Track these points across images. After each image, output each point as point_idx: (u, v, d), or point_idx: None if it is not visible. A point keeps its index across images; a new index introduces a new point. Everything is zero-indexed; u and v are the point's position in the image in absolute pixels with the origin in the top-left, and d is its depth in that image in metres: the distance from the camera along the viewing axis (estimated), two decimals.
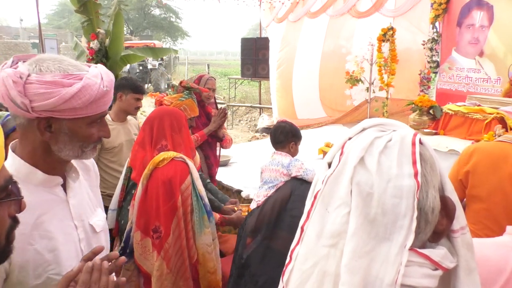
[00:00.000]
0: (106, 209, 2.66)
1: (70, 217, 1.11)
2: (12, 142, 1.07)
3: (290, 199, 1.98)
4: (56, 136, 1.00)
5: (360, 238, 0.64)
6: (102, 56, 4.43)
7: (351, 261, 0.64)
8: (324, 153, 4.57)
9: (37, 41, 21.71)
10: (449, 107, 4.71)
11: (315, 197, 0.72)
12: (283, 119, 2.59)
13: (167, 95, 3.02)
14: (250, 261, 2.03)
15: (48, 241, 1.03)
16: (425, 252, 0.64)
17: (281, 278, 0.77)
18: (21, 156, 1.02)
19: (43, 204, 1.04)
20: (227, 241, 3.47)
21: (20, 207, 0.83)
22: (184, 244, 2.08)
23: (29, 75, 0.91)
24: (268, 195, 2.15)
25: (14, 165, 1.00)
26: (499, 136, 2.46)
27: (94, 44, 4.36)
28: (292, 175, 2.11)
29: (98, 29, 4.43)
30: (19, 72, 0.91)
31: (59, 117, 0.97)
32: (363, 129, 0.72)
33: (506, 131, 3.55)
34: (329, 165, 0.73)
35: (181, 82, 3.06)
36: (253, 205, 2.25)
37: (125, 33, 19.31)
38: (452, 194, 0.69)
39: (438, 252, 0.66)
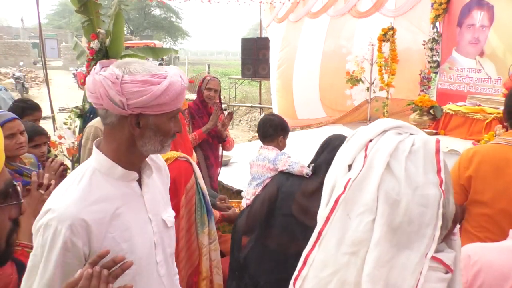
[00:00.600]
0: None
1: (145, 210, 1.19)
2: (97, 139, 1.18)
3: (278, 197, 1.94)
4: (143, 132, 1.09)
5: (383, 247, 0.63)
6: (103, 56, 4.42)
7: (373, 270, 0.62)
8: None
9: (37, 41, 21.73)
10: (449, 107, 4.71)
11: (336, 202, 0.69)
12: (270, 113, 2.60)
13: None
14: (248, 262, 2.00)
15: (124, 231, 1.11)
16: (439, 256, 0.64)
17: (292, 283, 0.74)
18: (105, 152, 1.13)
19: (122, 197, 1.13)
20: (227, 241, 3.46)
21: (21, 210, 0.82)
22: (184, 243, 2.08)
23: (123, 76, 1.02)
24: (256, 193, 2.12)
25: (98, 160, 1.13)
26: (499, 136, 2.45)
27: (95, 44, 4.36)
28: (279, 169, 2.07)
29: (99, 29, 4.43)
30: (115, 74, 1.01)
31: (147, 113, 1.06)
32: (384, 131, 0.71)
33: (507, 131, 3.54)
34: (349, 167, 0.70)
35: None
36: (244, 203, 2.24)
37: (126, 33, 19.31)
38: (453, 197, 0.69)
39: (449, 256, 0.66)
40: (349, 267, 0.65)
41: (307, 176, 1.94)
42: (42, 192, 1.61)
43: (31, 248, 1.48)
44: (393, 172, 0.64)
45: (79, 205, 1.04)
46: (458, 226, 0.70)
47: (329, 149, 1.94)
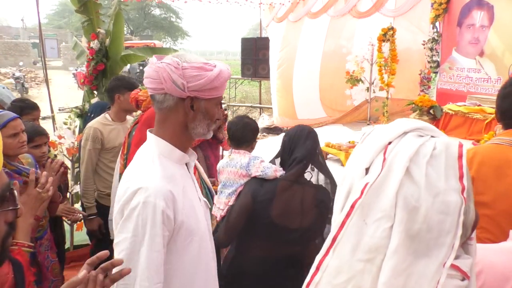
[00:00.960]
0: (107, 208, 2.69)
1: (195, 191, 1.31)
2: (150, 129, 1.25)
3: (255, 206, 1.85)
4: (195, 115, 1.21)
5: (401, 255, 0.61)
6: (102, 56, 4.42)
7: (390, 279, 0.61)
8: (325, 153, 4.56)
9: (37, 41, 21.72)
10: (449, 107, 4.71)
11: (352, 207, 0.66)
12: (241, 115, 2.45)
13: (140, 90, 3.00)
14: (232, 273, 1.95)
15: (191, 208, 1.22)
16: (456, 263, 0.62)
17: None
18: (163, 137, 1.22)
19: (181, 177, 1.23)
20: None
21: (17, 214, 0.82)
22: None
23: (183, 63, 1.15)
24: (230, 203, 1.99)
25: (158, 145, 1.21)
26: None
27: (94, 44, 4.35)
28: (252, 175, 1.96)
29: (98, 29, 4.42)
30: (176, 61, 1.14)
31: (201, 97, 1.19)
32: (404, 133, 0.68)
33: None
34: (367, 170, 0.68)
35: None
36: (216, 212, 2.08)
37: (125, 33, 19.30)
38: (472, 202, 0.67)
39: (466, 262, 0.64)
40: (364, 274, 0.63)
41: (280, 177, 1.88)
42: (40, 190, 1.61)
43: (28, 247, 1.48)
44: (413, 177, 0.62)
45: (164, 180, 1.14)
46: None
47: (300, 143, 1.89)
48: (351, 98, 7.25)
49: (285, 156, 1.93)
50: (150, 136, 1.24)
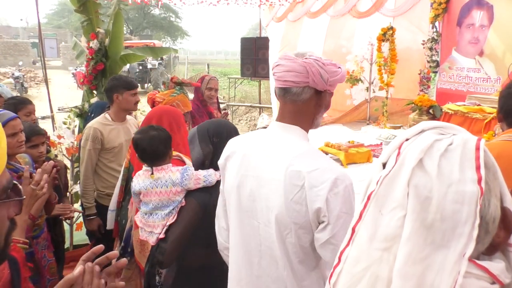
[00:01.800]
0: (106, 208, 2.68)
1: None
2: (279, 120, 1.36)
3: (204, 218, 1.73)
4: (321, 107, 1.36)
5: (415, 244, 0.61)
6: (102, 55, 4.42)
7: (404, 266, 0.61)
8: (325, 153, 4.56)
9: (36, 40, 21.70)
10: (448, 107, 4.71)
11: (368, 198, 0.69)
12: (146, 126, 2.08)
13: (158, 92, 3.01)
14: (164, 285, 1.87)
15: None
16: (484, 264, 0.61)
17: (327, 280, 0.74)
18: (304, 128, 1.35)
19: None
20: None
21: (20, 209, 0.83)
22: None
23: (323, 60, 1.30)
24: (168, 223, 1.80)
25: (307, 138, 1.35)
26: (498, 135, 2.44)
27: (94, 44, 4.35)
28: (192, 189, 1.80)
29: (98, 29, 4.42)
30: (320, 57, 1.29)
31: (328, 90, 1.33)
32: (422, 131, 0.69)
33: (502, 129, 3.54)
34: (384, 165, 0.70)
35: (171, 78, 3.05)
36: (146, 237, 1.87)
37: (125, 32, 19.27)
38: (511, 206, 0.66)
39: (497, 266, 0.62)
40: (381, 263, 0.65)
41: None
42: (34, 187, 1.62)
43: (23, 243, 1.49)
44: (425, 168, 0.63)
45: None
46: None
47: (224, 142, 1.74)
48: (351, 98, 7.25)
49: (219, 156, 1.75)
50: (298, 130, 1.32)
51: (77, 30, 25.89)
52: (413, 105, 4.88)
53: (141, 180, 1.91)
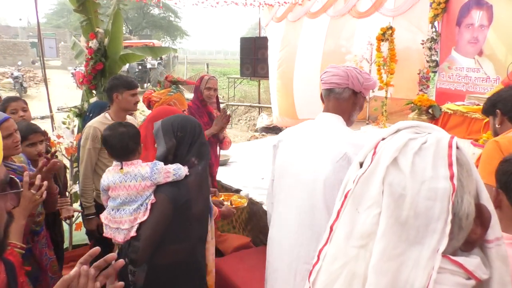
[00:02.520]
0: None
1: None
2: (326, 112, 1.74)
3: (175, 212, 1.75)
4: (356, 106, 1.70)
5: (390, 240, 0.62)
6: (101, 55, 4.41)
7: (379, 262, 0.62)
8: None
9: (36, 40, 21.69)
10: (448, 107, 4.72)
11: (345, 197, 0.70)
12: (115, 122, 2.12)
13: (154, 91, 3.01)
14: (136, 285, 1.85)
15: None
16: (459, 260, 0.62)
17: (307, 278, 0.75)
18: (344, 120, 1.69)
19: None
20: (225, 241, 3.47)
21: (18, 202, 0.83)
22: None
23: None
24: (138, 219, 1.79)
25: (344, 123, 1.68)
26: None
27: (93, 44, 4.35)
28: (161, 183, 1.80)
29: (97, 29, 4.42)
30: (357, 68, 1.69)
31: (362, 94, 1.70)
32: (398, 130, 0.71)
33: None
34: (361, 165, 0.71)
35: (166, 77, 3.05)
36: (109, 233, 1.87)
37: (124, 32, 19.27)
38: (488, 203, 0.67)
39: (472, 261, 0.63)
40: (358, 260, 0.66)
41: (188, 174, 1.81)
42: (34, 192, 1.62)
43: (20, 248, 1.50)
44: (400, 166, 0.64)
45: None
46: (499, 235, 0.67)
47: (189, 137, 1.84)
48: None
49: (183, 151, 1.83)
50: (337, 119, 1.68)
51: (77, 30, 25.85)
52: (412, 104, 4.89)
53: (110, 175, 1.90)
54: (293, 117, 8.29)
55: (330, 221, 0.73)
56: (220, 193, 3.10)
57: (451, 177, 0.62)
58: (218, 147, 3.45)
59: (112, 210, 1.88)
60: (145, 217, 1.78)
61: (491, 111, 2.04)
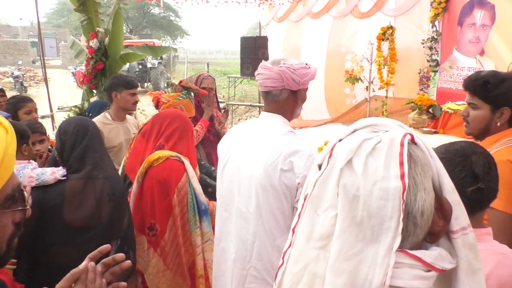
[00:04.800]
0: None
1: None
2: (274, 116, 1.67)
3: (42, 216, 1.68)
4: (298, 102, 1.67)
5: (346, 241, 0.64)
6: (102, 55, 4.41)
7: (335, 263, 0.64)
8: None
9: (36, 40, 21.70)
10: (448, 106, 4.71)
11: (304, 199, 0.72)
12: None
13: (164, 92, 3.00)
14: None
15: None
16: (416, 253, 0.63)
17: (274, 280, 0.77)
18: (286, 118, 1.66)
19: None
20: None
21: (25, 214, 0.83)
22: (181, 242, 2.08)
23: (294, 65, 1.58)
24: None
25: (287, 123, 1.67)
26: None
27: (94, 43, 4.35)
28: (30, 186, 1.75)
29: (98, 28, 4.42)
30: (291, 65, 1.58)
31: (302, 88, 1.64)
32: (354, 130, 0.71)
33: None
34: (320, 167, 0.72)
35: (180, 82, 3.04)
36: None
37: (125, 32, 19.29)
38: (452, 194, 0.68)
39: (431, 253, 0.65)
40: (318, 261, 0.67)
41: (64, 178, 1.76)
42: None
43: (11, 263, 1.49)
44: (353, 168, 0.65)
45: None
46: (465, 224, 0.68)
47: (70, 140, 1.80)
48: (354, 97, 7.23)
49: (66, 154, 1.80)
50: (280, 119, 1.65)
51: (77, 29, 25.87)
52: (413, 104, 4.88)
53: None
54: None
55: (292, 224, 0.75)
56: None
57: (402, 176, 0.62)
58: None
59: None
60: None
61: (498, 105, 1.72)
